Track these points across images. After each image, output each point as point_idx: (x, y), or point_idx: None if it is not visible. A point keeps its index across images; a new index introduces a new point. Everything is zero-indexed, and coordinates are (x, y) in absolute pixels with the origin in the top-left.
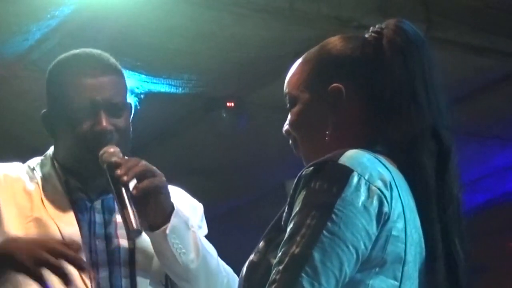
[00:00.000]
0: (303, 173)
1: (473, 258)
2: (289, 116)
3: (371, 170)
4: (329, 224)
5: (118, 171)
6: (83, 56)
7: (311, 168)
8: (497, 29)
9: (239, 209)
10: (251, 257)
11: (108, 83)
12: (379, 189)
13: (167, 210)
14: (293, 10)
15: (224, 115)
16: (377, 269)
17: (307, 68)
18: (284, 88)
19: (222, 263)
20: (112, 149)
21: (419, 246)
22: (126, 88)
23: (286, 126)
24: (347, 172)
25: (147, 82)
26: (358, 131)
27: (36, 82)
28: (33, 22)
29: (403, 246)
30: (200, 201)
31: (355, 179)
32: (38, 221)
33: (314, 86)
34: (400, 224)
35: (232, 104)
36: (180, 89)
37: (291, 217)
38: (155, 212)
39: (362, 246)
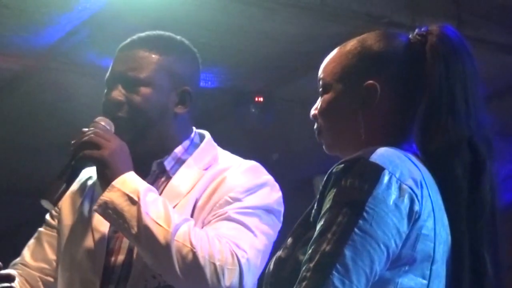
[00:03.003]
0: (334, 170)
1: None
2: (319, 102)
3: (402, 168)
4: (360, 222)
5: (72, 141)
6: (140, 34)
7: (342, 165)
8: None
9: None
10: (279, 253)
11: (130, 57)
12: (410, 187)
13: (107, 184)
14: (323, 5)
15: (253, 110)
16: (406, 268)
17: (346, 59)
18: (319, 73)
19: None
20: (102, 122)
21: (447, 245)
22: (160, 66)
23: (314, 111)
24: (378, 170)
25: None
26: (387, 130)
27: (66, 74)
28: (64, 14)
29: (432, 244)
30: None
31: (386, 177)
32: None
33: (350, 79)
34: (430, 223)
35: (261, 99)
36: (209, 83)
37: (321, 214)
38: (101, 185)
39: (393, 245)
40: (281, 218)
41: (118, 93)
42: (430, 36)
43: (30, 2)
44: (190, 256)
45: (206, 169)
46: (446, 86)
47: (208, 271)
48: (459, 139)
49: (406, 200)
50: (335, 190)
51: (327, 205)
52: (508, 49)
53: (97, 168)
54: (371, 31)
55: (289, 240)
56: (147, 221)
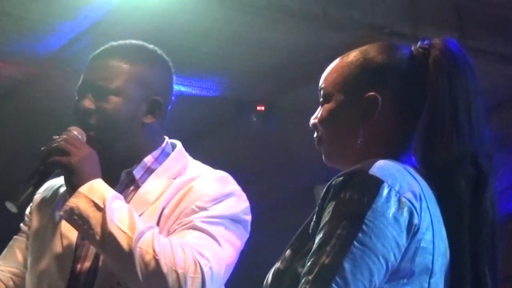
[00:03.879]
0: (333, 182)
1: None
2: (319, 111)
3: (401, 181)
4: (360, 235)
5: (42, 148)
6: (113, 43)
7: (341, 178)
8: None
9: (266, 212)
10: (277, 265)
11: (101, 66)
12: (409, 200)
13: (74, 190)
14: (326, 15)
15: (254, 119)
16: (405, 280)
17: (348, 70)
18: (320, 82)
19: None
20: (75, 131)
21: (445, 258)
22: (130, 76)
23: (314, 120)
24: (377, 183)
25: (178, 84)
26: (387, 142)
27: (68, 81)
28: (66, 22)
29: (431, 257)
30: None
31: (386, 190)
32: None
33: (351, 90)
34: (428, 236)
35: (263, 108)
36: (211, 91)
37: (320, 226)
38: (68, 192)
39: (392, 258)
40: (249, 228)
41: (88, 102)
42: (433, 50)
43: (32, 10)
44: (152, 263)
45: (175, 178)
46: (449, 100)
47: (170, 279)
48: (463, 154)
49: (405, 213)
50: (334, 203)
51: (326, 217)
52: (510, 60)
53: (64, 174)
54: (373, 41)
55: (288, 252)
56: (112, 227)
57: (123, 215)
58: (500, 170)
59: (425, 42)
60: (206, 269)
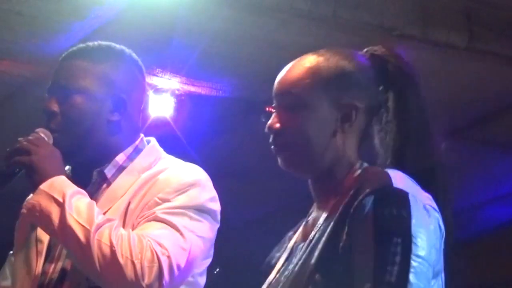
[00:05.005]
0: (363, 201)
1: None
2: (285, 116)
3: (417, 190)
4: (414, 248)
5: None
6: (80, 44)
7: (372, 195)
8: None
9: (274, 214)
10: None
11: (66, 66)
12: (432, 207)
13: (35, 188)
14: (336, 17)
15: (263, 120)
16: (433, 282)
17: (320, 76)
18: (282, 86)
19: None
20: (42, 133)
21: None
22: (93, 74)
23: (277, 125)
24: (405, 195)
25: (188, 84)
26: (357, 150)
27: None
28: (76, 22)
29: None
30: (236, 204)
31: (413, 200)
32: None
33: (327, 97)
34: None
35: (272, 109)
36: (220, 92)
37: (360, 247)
38: (31, 190)
39: (437, 264)
40: (218, 218)
41: (53, 104)
42: (391, 64)
43: (42, 9)
44: (109, 254)
45: (143, 172)
46: (420, 105)
47: (127, 269)
48: (437, 159)
49: (435, 219)
50: (372, 221)
51: (366, 236)
52: None
53: (26, 173)
54: (383, 43)
55: (317, 276)
56: (70, 221)
57: (81, 209)
58: (509, 173)
59: (377, 52)
60: (163, 258)
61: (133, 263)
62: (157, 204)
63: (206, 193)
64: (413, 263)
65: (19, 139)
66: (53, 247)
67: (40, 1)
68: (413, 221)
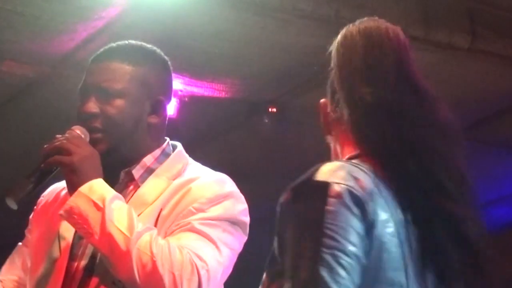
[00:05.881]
0: (281, 200)
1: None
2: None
3: (348, 179)
4: (324, 239)
5: (44, 145)
6: (112, 44)
7: (289, 193)
8: None
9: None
10: None
11: (104, 68)
12: (360, 196)
13: (74, 190)
14: (338, 18)
15: (266, 120)
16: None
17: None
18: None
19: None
20: (78, 130)
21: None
22: (133, 77)
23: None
24: (325, 186)
25: (191, 85)
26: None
27: (80, 82)
28: (79, 22)
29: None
30: None
31: (336, 189)
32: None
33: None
34: (390, 229)
35: (274, 110)
36: (223, 93)
37: (285, 244)
38: (69, 191)
39: (360, 253)
40: (247, 230)
41: (92, 105)
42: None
43: (45, 10)
44: (150, 264)
45: (174, 179)
46: None
47: (167, 281)
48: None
49: (358, 207)
50: (290, 218)
51: (286, 234)
52: None
53: (65, 173)
54: None
55: (264, 276)
56: (110, 228)
57: (122, 216)
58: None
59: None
60: (203, 272)
61: (173, 274)
62: (192, 213)
63: (240, 205)
64: (323, 255)
65: (57, 136)
66: (76, 245)
67: (43, 1)
68: (328, 211)
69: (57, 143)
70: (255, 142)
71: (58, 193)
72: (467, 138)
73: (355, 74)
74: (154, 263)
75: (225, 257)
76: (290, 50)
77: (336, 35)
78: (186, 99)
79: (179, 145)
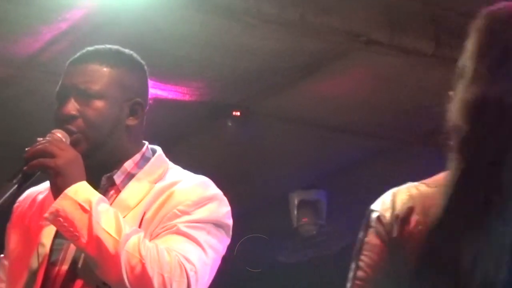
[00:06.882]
0: None
1: None
2: None
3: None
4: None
5: (26, 148)
6: (89, 48)
7: None
8: None
9: (240, 217)
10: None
11: (83, 70)
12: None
13: (59, 193)
14: (303, 22)
15: (230, 124)
16: None
17: None
18: None
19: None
20: (59, 133)
21: None
22: (111, 79)
23: None
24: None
25: (155, 88)
26: None
27: (45, 83)
28: (43, 24)
29: None
30: None
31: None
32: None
33: None
34: None
35: (238, 113)
36: (188, 96)
37: None
38: (53, 193)
39: None
40: (230, 233)
41: (71, 107)
42: None
43: (10, 11)
44: (139, 267)
45: (156, 182)
46: None
47: (156, 283)
48: None
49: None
50: None
51: None
52: None
53: (50, 176)
54: (351, 48)
55: None
56: (98, 230)
57: (109, 218)
58: None
59: None
60: (191, 274)
61: (162, 276)
62: (177, 216)
63: (224, 207)
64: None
65: (39, 139)
66: (56, 251)
67: (7, 3)
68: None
69: (40, 146)
70: (218, 146)
71: (35, 198)
72: (432, 143)
73: None
74: (143, 265)
75: (211, 259)
76: (255, 53)
77: (301, 39)
78: (150, 101)
79: (158, 149)
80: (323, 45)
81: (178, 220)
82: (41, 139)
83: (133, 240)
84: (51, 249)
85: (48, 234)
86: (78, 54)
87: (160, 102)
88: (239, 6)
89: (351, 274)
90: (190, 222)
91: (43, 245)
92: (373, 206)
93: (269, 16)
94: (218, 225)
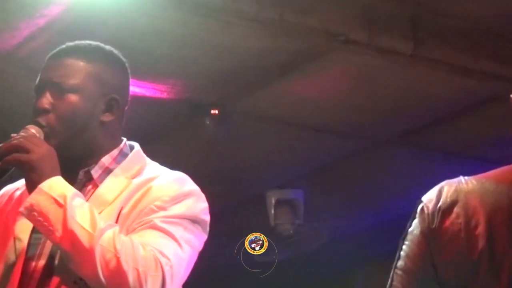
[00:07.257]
0: None
1: None
2: None
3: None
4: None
5: (0, 144)
6: (70, 43)
7: None
8: (481, 51)
9: (217, 216)
10: None
11: (60, 64)
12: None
13: (34, 187)
14: (282, 21)
15: (208, 122)
16: None
17: None
18: None
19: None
20: (33, 129)
21: None
22: (87, 73)
23: None
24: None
25: (132, 85)
26: None
27: (23, 79)
28: (21, 20)
29: None
30: None
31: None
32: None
33: None
34: None
35: (216, 112)
36: (165, 94)
37: None
38: (28, 189)
39: None
40: (207, 229)
41: (45, 101)
42: None
43: None
44: (113, 261)
45: (134, 178)
46: None
47: (131, 277)
48: None
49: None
50: None
51: None
52: (463, 70)
53: (24, 172)
54: (329, 48)
55: None
56: (73, 224)
57: (84, 213)
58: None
59: None
60: (166, 268)
61: (137, 270)
62: (154, 211)
63: (201, 203)
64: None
65: (13, 135)
66: (33, 245)
67: None
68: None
69: (14, 142)
70: (196, 144)
71: (12, 195)
72: (408, 143)
73: None
74: (118, 259)
75: (186, 255)
76: (233, 52)
77: (279, 38)
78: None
79: (136, 145)
80: (302, 44)
81: (154, 215)
82: (15, 134)
83: (108, 234)
84: (29, 244)
85: (25, 228)
86: (57, 48)
87: (137, 100)
88: (217, 5)
89: (394, 263)
90: (167, 218)
91: (20, 239)
92: (422, 197)
93: (248, 15)
94: (194, 221)
